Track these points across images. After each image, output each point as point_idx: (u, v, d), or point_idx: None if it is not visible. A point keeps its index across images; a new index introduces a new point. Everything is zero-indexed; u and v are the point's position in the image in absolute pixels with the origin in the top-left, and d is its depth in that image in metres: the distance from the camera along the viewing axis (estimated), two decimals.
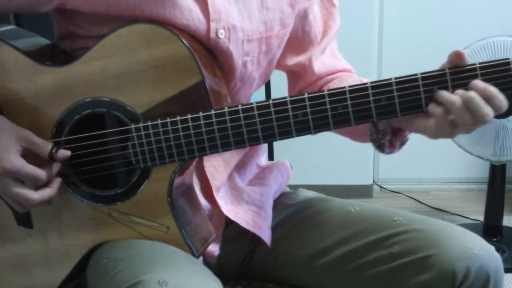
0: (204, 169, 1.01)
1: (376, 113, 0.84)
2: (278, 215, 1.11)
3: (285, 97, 0.85)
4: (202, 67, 0.87)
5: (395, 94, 0.83)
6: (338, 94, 0.84)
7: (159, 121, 0.88)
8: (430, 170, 2.92)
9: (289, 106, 0.85)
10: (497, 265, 0.93)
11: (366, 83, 0.84)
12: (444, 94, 0.82)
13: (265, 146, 1.22)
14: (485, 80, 0.80)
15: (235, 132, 0.87)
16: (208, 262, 1.06)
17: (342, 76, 1.11)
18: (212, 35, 0.92)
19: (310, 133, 0.86)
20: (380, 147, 0.95)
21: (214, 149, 0.88)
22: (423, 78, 0.82)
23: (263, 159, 1.19)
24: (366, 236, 0.99)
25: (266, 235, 1.06)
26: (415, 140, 0.99)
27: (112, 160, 0.92)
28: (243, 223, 1.04)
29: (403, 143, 0.96)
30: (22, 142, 0.87)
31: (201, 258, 1.01)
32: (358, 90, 0.84)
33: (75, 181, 0.93)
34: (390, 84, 0.83)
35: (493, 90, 0.80)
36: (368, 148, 1.01)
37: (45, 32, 1.02)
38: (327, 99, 0.84)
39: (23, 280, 0.98)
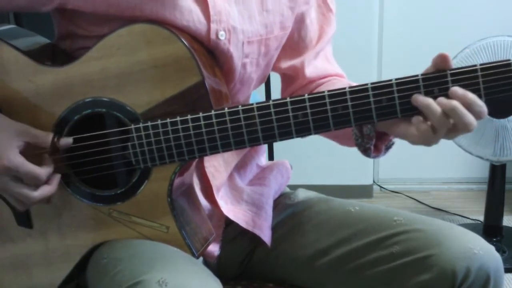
0: (205, 169, 1.01)
1: (376, 114, 0.84)
2: (278, 215, 1.11)
3: (285, 98, 0.85)
4: (202, 67, 0.87)
5: (396, 95, 0.83)
6: (339, 95, 0.84)
7: (159, 122, 0.88)
8: (430, 170, 2.92)
9: (289, 107, 0.85)
10: (497, 265, 0.93)
11: (366, 84, 0.84)
12: (422, 100, 0.81)
13: (265, 147, 1.22)
14: (485, 82, 0.80)
15: (235, 133, 0.87)
16: (208, 262, 1.06)
17: (332, 80, 1.11)
18: (213, 36, 0.92)
19: (310, 133, 0.86)
20: (365, 151, 0.95)
21: (214, 150, 0.88)
22: (424, 79, 0.82)
23: (263, 159, 1.19)
24: (366, 236, 0.99)
25: (266, 235, 1.06)
26: None
27: (112, 160, 0.92)
28: (242, 223, 1.04)
29: (388, 147, 0.97)
30: (22, 136, 0.87)
31: (201, 258, 1.01)
32: (359, 91, 0.83)
33: (75, 181, 0.93)
34: (390, 85, 0.83)
35: (472, 96, 0.80)
36: None
37: (45, 32, 1.02)
38: (327, 100, 0.84)
39: (23, 280, 0.98)
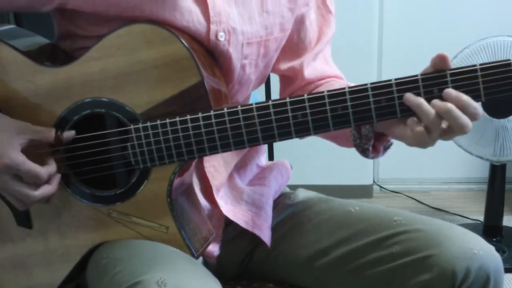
0: (204, 169, 1.01)
1: (376, 114, 0.84)
2: (278, 215, 1.11)
3: (285, 98, 0.85)
4: (201, 68, 0.86)
5: (395, 95, 0.82)
6: (338, 95, 0.84)
7: (158, 122, 0.88)
8: (430, 170, 2.92)
9: (289, 107, 0.85)
10: (497, 265, 0.93)
11: (365, 84, 0.84)
12: (414, 99, 0.81)
13: (265, 147, 1.22)
14: (485, 82, 0.80)
15: (235, 133, 0.87)
16: (208, 262, 1.06)
17: (331, 81, 1.11)
18: (212, 37, 0.92)
19: (309, 134, 0.86)
20: (363, 152, 0.95)
21: (213, 150, 0.88)
22: (423, 80, 0.82)
23: (263, 159, 1.19)
24: (366, 236, 0.99)
25: (266, 235, 1.06)
26: None
27: (111, 160, 0.92)
28: (242, 224, 1.04)
29: (387, 147, 0.97)
30: (24, 134, 0.87)
31: (200, 258, 1.01)
32: (358, 91, 0.83)
33: (74, 181, 0.93)
34: (390, 85, 0.82)
35: (466, 98, 0.80)
36: None
37: (45, 32, 1.02)
38: (326, 100, 0.84)
39: (23, 280, 0.98)
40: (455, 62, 2.02)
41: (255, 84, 1.05)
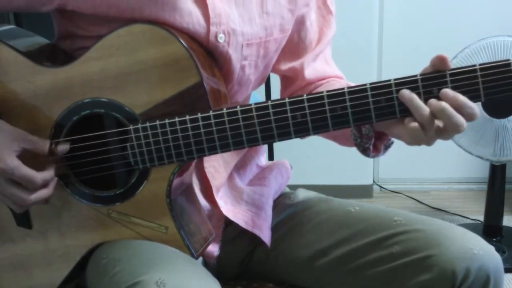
0: (204, 169, 1.01)
1: (375, 114, 0.83)
2: (278, 215, 1.11)
3: (284, 98, 0.85)
4: (200, 68, 0.86)
5: (395, 95, 0.82)
6: (337, 95, 0.84)
7: (157, 122, 0.88)
8: (430, 170, 2.92)
9: (288, 108, 0.85)
10: (497, 265, 0.93)
11: (365, 84, 0.83)
12: (407, 94, 0.81)
13: (265, 147, 1.22)
14: (485, 82, 0.80)
15: (234, 133, 0.87)
16: (208, 263, 1.06)
17: (331, 81, 1.11)
18: (212, 38, 0.92)
19: (309, 134, 0.86)
20: (364, 151, 0.95)
21: (212, 150, 0.88)
22: (423, 80, 0.82)
23: (263, 159, 1.18)
24: (366, 236, 0.99)
25: (266, 236, 1.06)
26: None
27: (111, 161, 0.92)
28: (242, 224, 1.04)
29: (387, 146, 0.97)
30: (20, 142, 0.87)
31: (200, 258, 1.01)
32: (357, 91, 0.83)
33: (74, 181, 0.93)
34: (389, 85, 0.82)
35: (462, 99, 0.80)
36: None
37: (45, 32, 1.02)
38: (326, 100, 0.84)
39: (23, 280, 0.98)
40: (455, 62, 2.02)
41: (255, 85, 1.05)
